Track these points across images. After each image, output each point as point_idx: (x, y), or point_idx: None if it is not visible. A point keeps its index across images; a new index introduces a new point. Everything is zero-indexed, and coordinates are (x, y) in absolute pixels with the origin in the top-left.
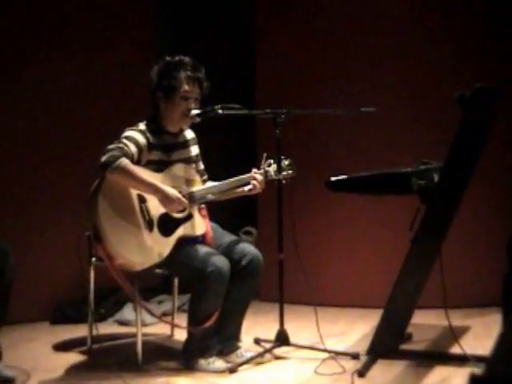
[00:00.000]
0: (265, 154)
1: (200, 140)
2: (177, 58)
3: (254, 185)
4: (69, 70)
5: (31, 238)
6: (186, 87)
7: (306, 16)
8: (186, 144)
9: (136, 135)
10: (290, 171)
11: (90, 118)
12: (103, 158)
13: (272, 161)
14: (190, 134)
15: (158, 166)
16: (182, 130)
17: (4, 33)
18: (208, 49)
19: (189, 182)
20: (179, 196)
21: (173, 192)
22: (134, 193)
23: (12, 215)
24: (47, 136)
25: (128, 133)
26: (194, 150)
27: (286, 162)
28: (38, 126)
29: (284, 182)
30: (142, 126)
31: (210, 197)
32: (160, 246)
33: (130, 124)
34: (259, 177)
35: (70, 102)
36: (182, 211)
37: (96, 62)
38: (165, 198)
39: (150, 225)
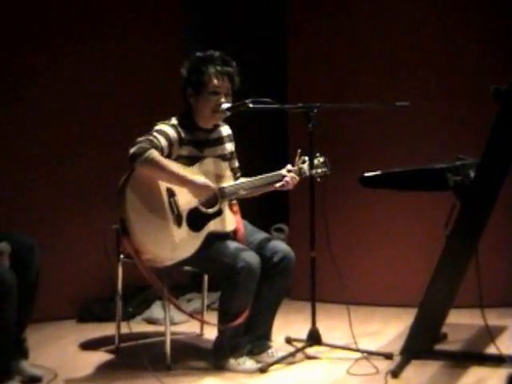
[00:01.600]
0: (299, 151)
1: (234, 137)
2: (206, 53)
3: (286, 181)
4: (97, 63)
5: (57, 233)
6: (215, 82)
7: (340, 9)
8: (220, 140)
9: (167, 129)
10: (324, 169)
11: (117, 111)
12: (132, 150)
13: (307, 157)
14: (226, 131)
15: (189, 161)
16: (216, 126)
17: (29, 24)
18: (239, 43)
19: (219, 177)
20: (209, 184)
21: (202, 181)
22: (163, 187)
23: (37, 211)
24: (72, 130)
25: (159, 126)
26: (229, 146)
27: (321, 160)
28: (63, 122)
29: (318, 179)
30: (174, 120)
31: (242, 192)
32: (189, 242)
33: (160, 118)
34: (292, 173)
35: (95, 96)
36: (212, 206)
37: (127, 57)
38: (195, 189)
39: (178, 220)
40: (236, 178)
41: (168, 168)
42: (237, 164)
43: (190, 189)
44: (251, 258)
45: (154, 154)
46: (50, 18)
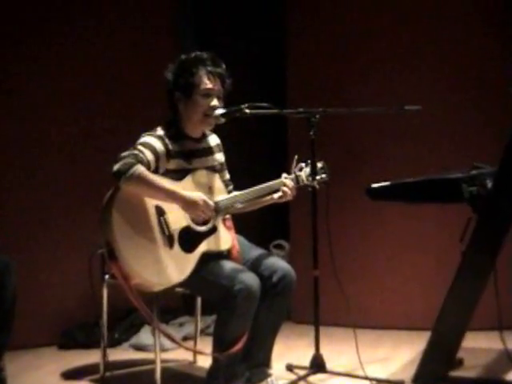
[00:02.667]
0: (296, 157)
1: (224, 144)
2: (193, 55)
3: (284, 192)
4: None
5: (38, 254)
6: (207, 83)
7: (342, 8)
8: (209, 151)
9: (153, 141)
10: (323, 175)
11: (100, 126)
12: (116, 167)
13: (304, 164)
14: (214, 140)
15: (178, 175)
16: (204, 136)
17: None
18: (235, 44)
19: (212, 190)
20: (204, 198)
21: (197, 195)
22: (152, 205)
23: (14, 228)
24: (55, 143)
25: (144, 139)
26: (219, 157)
27: (319, 165)
28: (44, 133)
29: (317, 187)
30: (159, 131)
31: (237, 206)
32: (181, 264)
33: (146, 131)
34: (290, 182)
35: (80, 109)
36: (205, 223)
37: (112, 59)
38: (188, 204)
39: (170, 240)
40: (228, 192)
41: (156, 183)
42: (228, 176)
43: (182, 205)
44: (250, 279)
45: (140, 169)
46: (36, 15)
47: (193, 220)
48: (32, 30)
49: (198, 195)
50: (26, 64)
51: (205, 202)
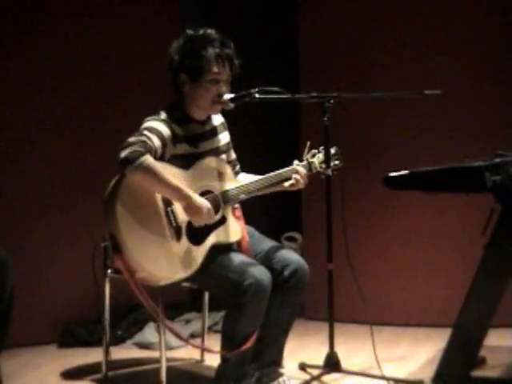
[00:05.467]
0: (308, 143)
1: (234, 129)
2: (201, 32)
3: (296, 179)
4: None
5: (37, 248)
6: (216, 68)
7: None
8: (214, 131)
9: (159, 126)
10: (336, 161)
11: (99, 116)
12: (123, 153)
13: (316, 151)
14: (218, 120)
15: (186, 161)
16: (209, 117)
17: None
18: (244, 26)
19: (221, 176)
20: (210, 207)
21: (203, 202)
22: (159, 195)
23: (12, 221)
24: (55, 135)
25: (149, 123)
26: (224, 137)
27: (332, 151)
28: (46, 128)
29: (331, 174)
30: (163, 114)
31: (248, 195)
32: (189, 257)
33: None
34: (302, 170)
35: (83, 102)
36: (215, 214)
37: (113, 47)
38: (192, 208)
39: (177, 232)
40: (235, 172)
41: (164, 178)
42: (234, 156)
43: (184, 206)
44: (261, 273)
45: (149, 160)
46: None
47: (189, 225)
48: (31, 12)
49: (204, 203)
50: (24, 50)
51: (209, 211)
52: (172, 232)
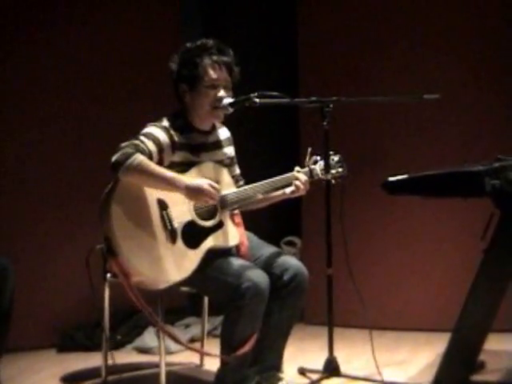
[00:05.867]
0: (309, 149)
1: (234, 134)
2: (198, 43)
3: (296, 186)
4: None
5: (35, 252)
6: (212, 73)
7: None
8: (218, 144)
9: (157, 132)
10: (339, 169)
11: (98, 118)
12: (114, 157)
13: (318, 157)
14: (224, 134)
15: (185, 168)
16: (214, 129)
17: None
18: (244, 31)
19: (219, 181)
20: (209, 181)
21: (200, 180)
22: (154, 198)
23: (11, 226)
24: (51, 137)
25: (147, 129)
26: (228, 151)
27: (335, 159)
28: (41, 132)
29: (333, 182)
30: (165, 121)
31: (246, 201)
32: (185, 260)
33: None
34: (303, 176)
35: (81, 104)
36: (210, 218)
37: (115, 49)
38: (193, 190)
39: (172, 235)
40: (238, 187)
41: (156, 172)
42: (238, 171)
43: (185, 193)
44: (258, 277)
45: (140, 157)
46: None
47: (197, 212)
48: (34, 15)
49: (201, 179)
50: (22, 53)
51: (210, 185)
52: (167, 235)
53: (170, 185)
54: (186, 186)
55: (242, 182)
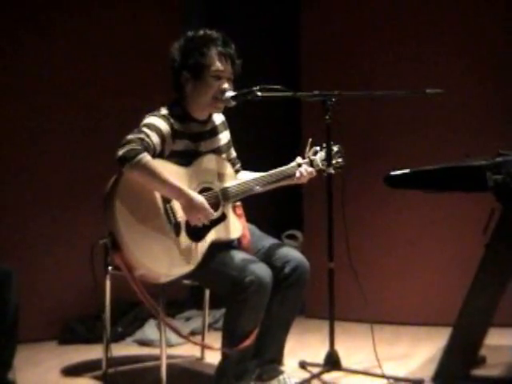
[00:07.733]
0: (310, 140)
1: (235, 128)
2: (202, 33)
3: (300, 172)
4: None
5: (37, 245)
6: (218, 64)
7: None
8: (214, 131)
9: (158, 122)
10: (338, 159)
11: (99, 116)
12: (121, 152)
13: (318, 148)
14: (219, 119)
15: (185, 157)
16: (210, 117)
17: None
18: (246, 24)
19: (221, 175)
20: (206, 206)
21: (200, 200)
22: (157, 192)
23: (15, 219)
24: (55, 134)
25: (148, 119)
26: (224, 136)
27: (335, 149)
28: (41, 130)
29: (333, 172)
30: (164, 110)
31: (248, 193)
32: (189, 254)
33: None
34: (304, 166)
35: (80, 100)
36: (214, 210)
37: (113, 37)
38: (189, 206)
39: (176, 229)
40: (236, 170)
41: (161, 176)
42: (234, 154)
43: (182, 204)
44: (261, 270)
45: (147, 158)
46: None
47: (188, 222)
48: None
49: (200, 201)
50: (24, 51)
51: (205, 210)
52: (171, 228)
53: (172, 192)
54: (188, 198)
55: (238, 165)
